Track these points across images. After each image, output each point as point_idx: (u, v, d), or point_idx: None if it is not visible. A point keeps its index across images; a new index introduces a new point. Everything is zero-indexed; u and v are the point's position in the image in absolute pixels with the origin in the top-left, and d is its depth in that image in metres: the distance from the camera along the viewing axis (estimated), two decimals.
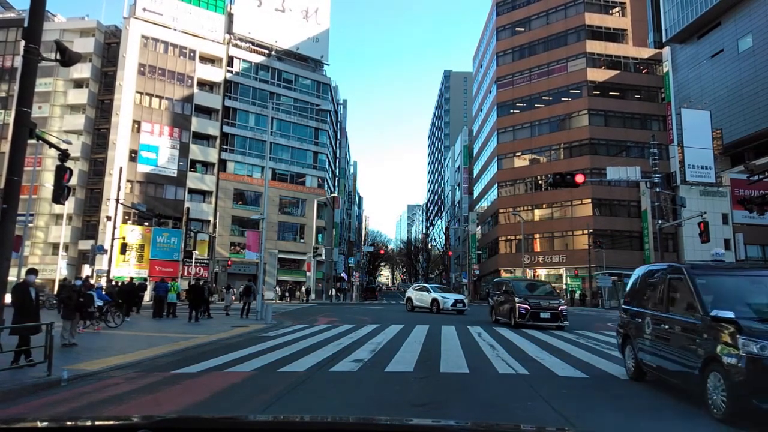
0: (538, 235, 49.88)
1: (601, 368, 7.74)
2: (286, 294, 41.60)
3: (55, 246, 43.52)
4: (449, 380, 6.68)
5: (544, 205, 50.40)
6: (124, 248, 24.56)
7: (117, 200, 22.94)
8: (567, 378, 6.84)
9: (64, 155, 7.64)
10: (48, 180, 44.53)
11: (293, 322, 17.77)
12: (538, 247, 49.70)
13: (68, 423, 1.70)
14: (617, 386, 6.55)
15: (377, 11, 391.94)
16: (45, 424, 1.74)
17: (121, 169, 27.14)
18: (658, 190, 15.43)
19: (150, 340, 11.48)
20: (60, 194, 7.34)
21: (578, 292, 45.23)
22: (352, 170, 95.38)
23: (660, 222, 15.39)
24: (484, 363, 8.13)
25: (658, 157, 16.34)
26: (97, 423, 1.77)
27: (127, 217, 42.08)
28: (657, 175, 15.47)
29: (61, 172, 7.31)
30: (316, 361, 8.27)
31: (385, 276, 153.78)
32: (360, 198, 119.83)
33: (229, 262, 43.68)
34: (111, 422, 1.87)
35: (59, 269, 39.00)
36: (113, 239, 23.46)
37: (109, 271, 24.34)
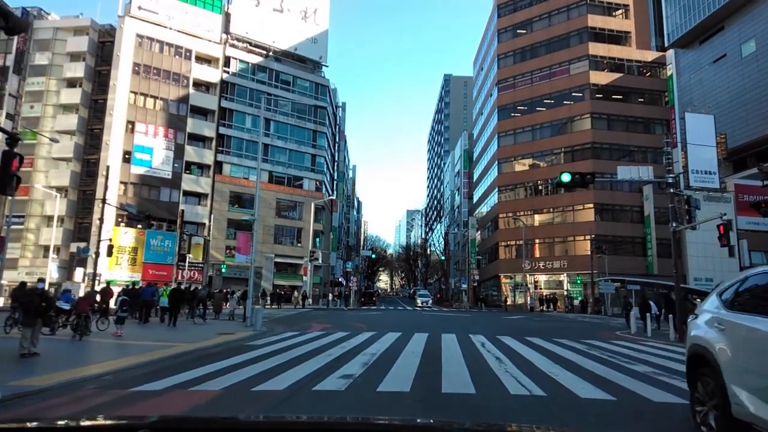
0: (538, 240, 48.96)
1: (626, 387, 6.76)
2: (270, 298, 39.52)
3: (47, 248, 42.51)
4: (453, 403, 5.72)
5: (544, 210, 49.53)
6: (110, 250, 23.56)
7: (103, 200, 22.00)
8: (591, 401, 5.87)
9: (12, 139, 6.71)
10: (40, 181, 43.67)
11: (285, 328, 16.79)
12: (538, 253, 48.78)
13: (68, 423, 1.70)
14: (652, 412, 5.58)
15: (376, 16, 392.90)
16: (45, 424, 1.74)
17: (108, 167, 26.19)
18: (672, 191, 14.54)
19: (124, 349, 10.52)
20: (7, 183, 6.39)
21: (579, 298, 44.28)
22: (351, 174, 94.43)
23: (674, 225, 14.49)
24: (491, 380, 7.16)
25: (670, 157, 15.45)
26: (97, 423, 1.78)
27: (120, 220, 41.13)
28: (671, 175, 14.57)
29: (9, 159, 6.37)
30: (300, 376, 7.29)
31: (384, 281, 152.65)
32: (359, 203, 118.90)
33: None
34: (111, 422, 1.84)
35: (49, 272, 37.92)
36: (99, 241, 22.48)
37: (94, 274, 23.32)
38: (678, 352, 11.79)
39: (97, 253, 31.44)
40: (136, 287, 22.40)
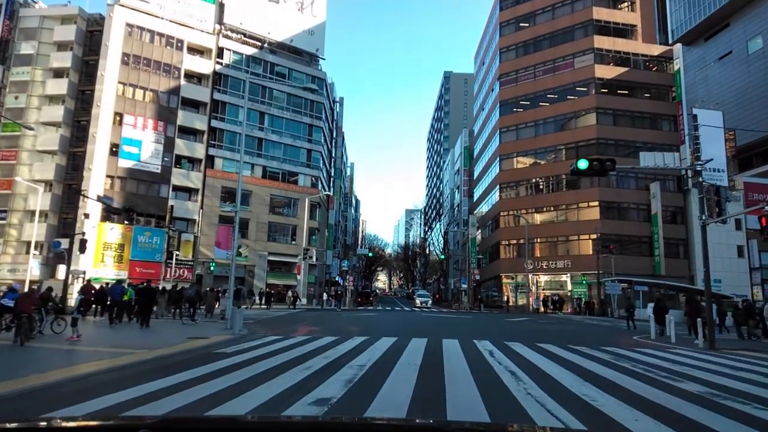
0: (541, 240, 47.35)
1: (691, 418, 5.12)
2: (258, 297, 37.59)
3: (30, 244, 40.83)
4: None
5: (545, 209, 47.91)
6: (83, 245, 21.86)
7: (79, 192, 20.36)
8: None
9: None
10: (24, 174, 41.94)
11: (267, 332, 15.06)
12: (541, 252, 47.17)
13: (69, 423, 1.71)
14: None
15: (375, 13, 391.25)
16: (46, 424, 1.71)
17: (85, 157, 24.48)
18: (701, 179, 12.97)
19: (68, 358, 8.87)
20: None
21: (584, 299, 42.69)
22: (348, 172, 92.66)
23: (703, 218, 12.91)
24: (511, 408, 5.49)
25: (698, 143, 13.87)
26: (97, 423, 1.76)
27: (106, 215, 39.41)
28: (699, 162, 12.97)
29: None
30: (262, 400, 5.63)
31: (382, 281, 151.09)
32: (357, 201, 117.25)
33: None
34: (111, 422, 1.84)
35: (30, 269, 36.23)
36: (73, 235, 20.82)
37: (68, 271, 21.66)
38: (719, 363, 10.17)
39: (82, 249, 29.74)
40: (123, 285, 20.96)
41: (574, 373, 7.84)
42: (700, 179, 12.98)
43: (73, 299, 23.99)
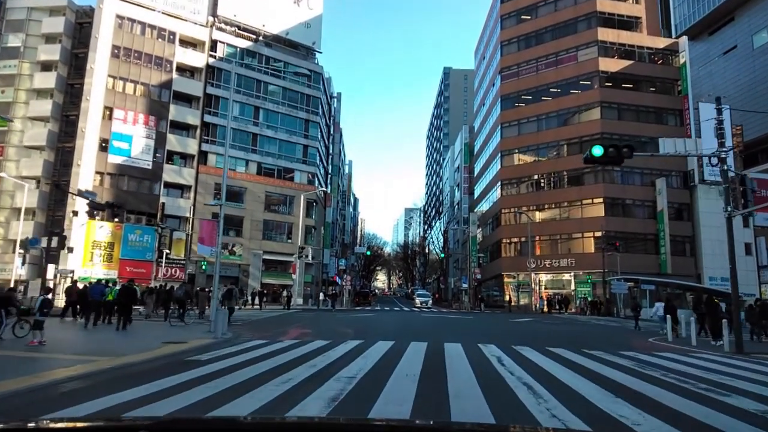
0: (544, 238, 46.20)
1: None
2: (250, 297, 36.58)
3: (16, 243, 39.58)
4: None
5: (547, 206, 46.72)
6: (63, 241, 20.69)
7: (56, 185, 19.19)
8: None
9: None
10: (11, 171, 40.69)
11: (253, 335, 13.86)
12: (543, 250, 46.01)
13: (69, 423, 1.70)
14: None
15: (374, 12, 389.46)
16: (45, 424, 1.68)
17: (74, 151, 23.26)
18: (725, 167, 11.83)
19: (21, 365, 7.69)
20: None
21: (589, 299, 41.57)
22: (347, 170, 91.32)
23: (729, 209, 11.80)
24: None
25: (722, 128, 12.74)
26: (97, 423, 1.74)
27: (94, 212, 38.12)
28: (723, 149, 11.85)
29: None
30: None
31: (381, 281, 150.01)
32: (356, 199, 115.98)
33: None
34: (111, 422, 1.85)
35: (15, 268, 35.00)
36: (51, 232, 19.64)
37: (45, 269, 20.47)
38: (756, 371, 9.03)
39: (70, 248, 28.50)
40: (103, 284, 19.87)
41: (600, 386, 6.68)
42: (725, 167, 11.86)
43: (61, 300, 22.93)
